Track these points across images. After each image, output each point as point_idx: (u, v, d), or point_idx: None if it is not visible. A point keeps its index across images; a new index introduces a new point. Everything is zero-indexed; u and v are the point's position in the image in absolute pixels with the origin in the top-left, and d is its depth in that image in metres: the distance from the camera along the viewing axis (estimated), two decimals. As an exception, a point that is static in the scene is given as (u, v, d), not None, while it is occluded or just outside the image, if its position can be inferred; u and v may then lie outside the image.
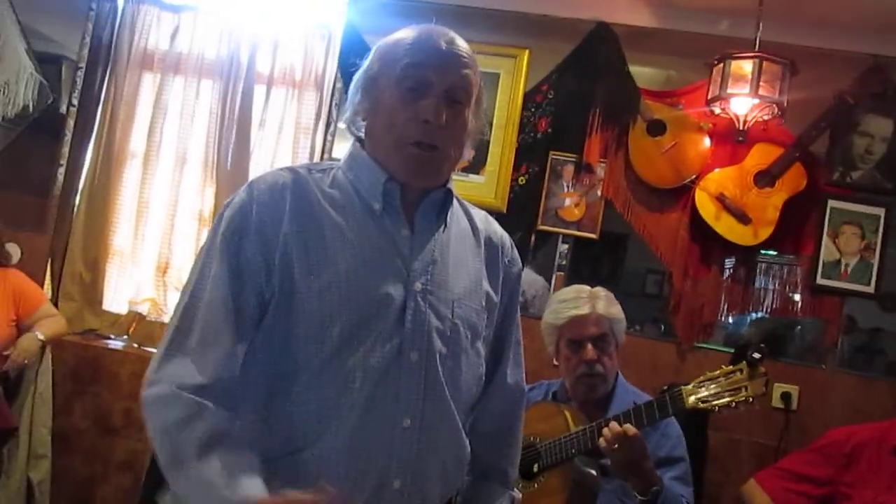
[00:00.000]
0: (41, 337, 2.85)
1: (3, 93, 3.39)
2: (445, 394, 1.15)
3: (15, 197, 3.45)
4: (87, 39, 3.37)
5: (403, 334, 1.12)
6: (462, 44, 1.18)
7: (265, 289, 1.11)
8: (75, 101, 3.37)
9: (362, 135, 1.22)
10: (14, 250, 3.17)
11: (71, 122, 3.37)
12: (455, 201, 1.26)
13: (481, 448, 1.28)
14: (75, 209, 3.35)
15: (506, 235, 1.35)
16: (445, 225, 1.22)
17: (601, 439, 1.78)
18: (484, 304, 1.24)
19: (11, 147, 3.50)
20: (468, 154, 1.23)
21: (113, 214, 3.31)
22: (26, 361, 2.80)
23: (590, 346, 1.99)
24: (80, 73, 3.37)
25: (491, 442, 1.31)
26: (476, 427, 1.27)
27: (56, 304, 3.19)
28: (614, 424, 1.78)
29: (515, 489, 1.38)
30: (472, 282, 1.23)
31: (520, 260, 1.35)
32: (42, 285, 3.23)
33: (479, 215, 1.32)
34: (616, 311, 2.06)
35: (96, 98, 3.37)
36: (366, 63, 1.22)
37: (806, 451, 2.13)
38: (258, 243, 1.11)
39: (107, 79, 3.36)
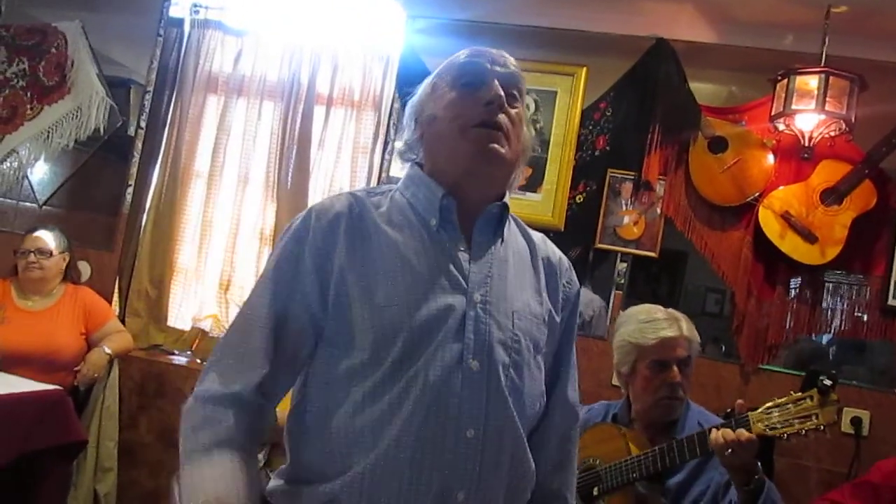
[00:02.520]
0: (108, 351, 2.95)
1: (76, 116, 3.54)
2: (509, 404, 1.14)
3: (86, 216, 3.59)
4: (155, 64, 3.51)
5: (464, 344, 1.11)
6: (508, 56, 1.23)
7: (317, 311, 1.14)
8: (143, 124, 3.50)
9: (417, 159, 1.25)
10: (84, 268, 3.30)
11: (139, 144, 3.49)
12: (512, 221, 1.27)
13: (542, 471, 1.25)
14: (142, 228, 3.46)
15: (564, 257, 1.33)
16: (503, 240, 1.22)
17: (712, 438, 1.72)
18: (546, 319, 1.23)
19: (83, 168, 3.65)
20: (522, 166, 1.25)
21: (178, 233, 3.41)
22: (96, 375, 2.89)
23: (676, 368, 1.93)
24: (148, 97, 3.50)
25: (551, 464, 1.28)
26: (536, 448, 1.24)
27: (123, 321, 3.30)
28: (726, 431, 1.71)
29: None
30: (533, 297, 1.22)
31: (577, 281, 1.34)
32: (110, 302, 3.34)
33: (537, 236, 1.32)
34: (695, 334, 2.01)
35: (163, 120, 3.49)
36: (418, 89, 1.26)
37: (855, 485, 2.02)
38: (313, 270, 1.14)
39: (173, 101, 3.48)
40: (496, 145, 1.15)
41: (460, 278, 1.15)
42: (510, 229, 1.25)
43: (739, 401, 1.79)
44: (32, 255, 2.99)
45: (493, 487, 1.13)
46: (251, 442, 1.11)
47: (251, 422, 1.11)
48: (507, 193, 1.24)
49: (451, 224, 1.19)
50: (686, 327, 1.98)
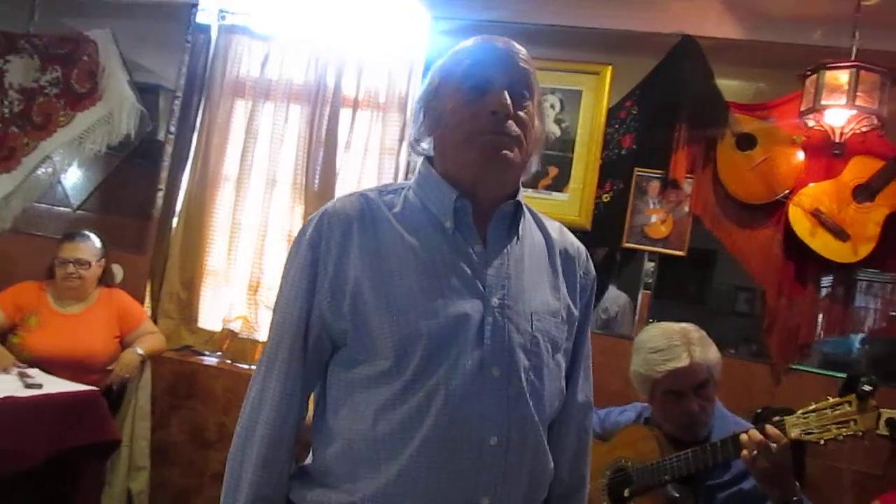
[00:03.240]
0: (141, 352, 3.00)
1: (108, 122, 3.60)
2: (530, 409, 1.14)
3: (118, 220, 3.64)
4: (183, 70, 3.55)
5: (484, 350, 1.11)
6: (518, 45, 1.19)
7: (330, 318, 1.14)
8: (173, 129, 3.55)
9: (428, 152, 1.23)
10: (118, 271, 3.34)
11: (169, 149, 3.54)
12: (527, 213, 1.25)
13: (561, 462, 1.26)
14: (173, 231, 3.51)
15: (581, 246, 1.32)
16: (518, 238, 1.21)
17: (741, 440, 1.68)
18: (565, 316, 1.22)
19: (115, 173, 3.70)
20: (535, 163, 1.22)
21: (208, 235, 3.45)
22: (127, 376, 2.94)
23: (692, 395, 1.88)
24: (177, 102, 3.55)
25: (570, 456, 1.29)
26: (555, 441, 1.24)
27: (155, 322, 3.34)
28: (753, 432, 1.68)
29: None
30: (551, 294, 1.22)
31: (594, 271, 1.33)
32: (142, 304, 3.39)
33: (554, 226, 1.31)
34: (712, 353, 1.92)
35: (192, 125, 3.54)
36: (426, 81, 1.24)
37: None
38: (326, 278, 1.14)
39: (202, 106, 3.53)
40: (505, 151, 1.14)
41: (477, 282, 1.15)
42: (525, 224, 1.23)
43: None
44: (71, 265, 3.00)
45: (515, 490, 1.14)
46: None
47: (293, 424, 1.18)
48: (521, 189, 1.23)
49: (467, 226, 1.18)
50: (699, 352, 1.88)
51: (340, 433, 1.13)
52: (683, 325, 1.96)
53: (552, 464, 1.21)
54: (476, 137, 1.13)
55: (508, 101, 1.13)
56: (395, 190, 1.23)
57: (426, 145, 1.23)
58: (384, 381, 1.10)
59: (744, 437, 1.68)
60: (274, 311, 1.21)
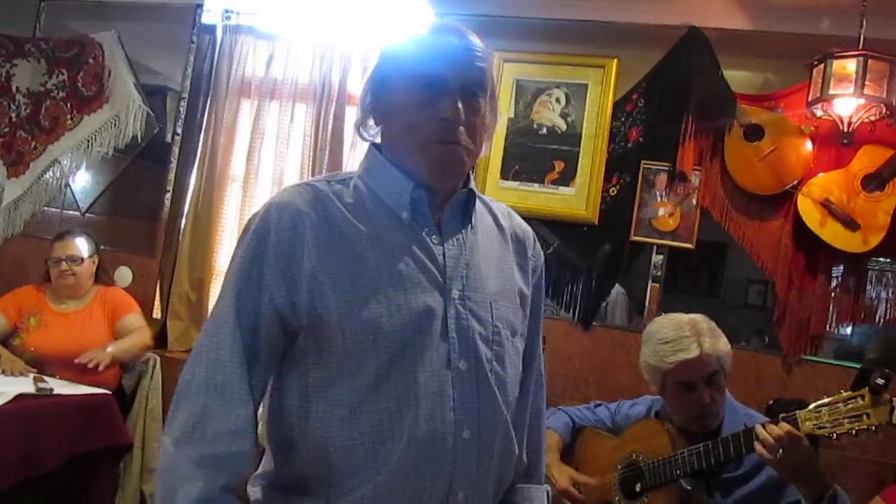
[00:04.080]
0: (110, 349, 2.90)
1: (115, 125, 3.61)
2: (497, 398, 1.13)
3: (127, 222, 3.67)
4: (189, 71, 3.56)
5: (449, 344, 1.10)
6: (474, 38, 1.15)
7: (288, 314, 1.08)
8: (179, 130, 3.56)
9: (375, 139, 1.20)
10: (127, 273, 3.35)
11: (176, 150, 3.56)
12: (478, 201, 1.23)
13: (521, 446, 1.25)
14: (181, 232, 3.52)
15: (529, 229, 1.31)
16: (472, 225, 1.19)
17: (759, 446, 1.65)
18: (520, 300, 1.22)
19: (122, 175, 3.72)
20: (486, 149, 1.19)
21: (216, 236, 3.46)
22: (90, 362, 2.81)
23: (702, 386, 1.86)
24: (183, 103, 3.56)
25: (529, 435, 1.29)
26: (516, 425, 1.22)
27: (164, 324, 3.36)
28: (772, 427, 1.65)
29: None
30: (506, 280, 1.21)
31: (542, 253, 1.32)
32: (152, 305, 3.40)
33: (502, 210, 1.29)
34: (722, 344, 1.91)
35: (198, 126, 3.54)
36: (374, 66, 1.19)
37: None
38: (279, 273, 1.08)
39: (208, 107, 3.53)
40: (456, 163, 1.12)
41: (437, 273, 1.12)
42: (477, 211, 1.21)
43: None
44: (64, 262, 3.02)
45: (488, 480, 1.14)
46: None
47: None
48: (472, 176, 1.20)
49: (423, 217, 1.15)
50: (709, 342, 1.87)
51: (308, 439, 1.08)
52: (693, 315, 1.95)
53: (517, 450, 1.22)
54: (426, 147, 1.10)
55: (461, 107, 1.10)
56: (343, 180, 1.18)
57: (373, 131, 1.19)
58: (349, 384, 1.06)
59: (761, 431, 1.66)
60: (214, 318, 1.10)
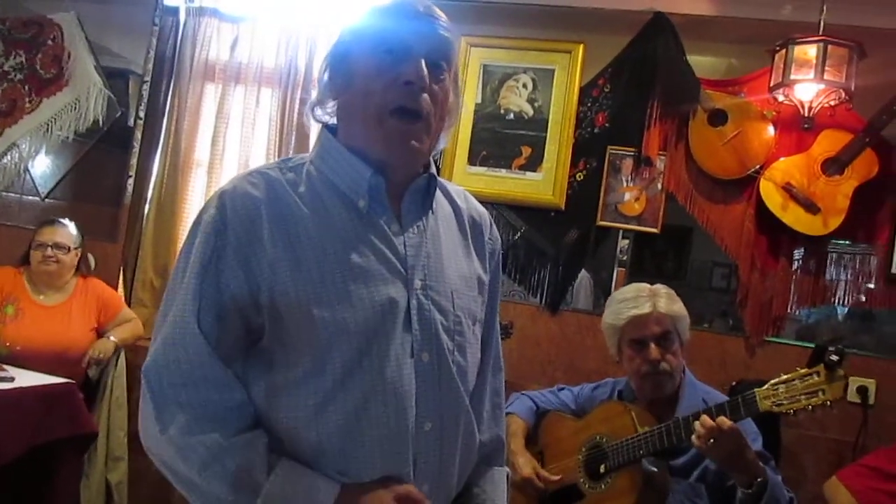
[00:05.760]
0: (114, 339, 2.99)
1: (75, 108, 3.54)
2: (459, 389, 1.12)
3: (88, 208, 3.60)
4: (152, 53, 3.50)
5: (413, 336, 1.08)
6: (438, 10, 1.12)
7: (250, 308, 1.05)
8: (142, 114, 3.50)
9: (329, 119, 1.15)
10: (90, 261, 3.30)
11: (138, 134, 3.49)
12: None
13: (481, 425, 1.25)
14: (145, 218, 3.47)
15: (485, 212, 1.29)
16: (432, 211, 1.17)
17: (694, 437, 1.73)
18: (478, 286, 1.21)
19: (84, 160, 3.65)
20: (445, 140, 1.17)
21: (181, 222, 3.41)
22: (101, 356, 2.91)
23: (653, 345, 1.96)
24: (146, 87, 3.49)
25: (487, 417, 1.28)
26: (475, 407, 1.22)
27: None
28: (706, 418, 1.72)
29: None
30: (466, 267, 1.20)
31: (499, 236, 1.31)
32: (116, 292, 3.35)
33: (458, 192, 1.27)
34: (678, 308, 2.02)
35: (162, 110, 3.49)
36: (335, 41, 1.15)
37: (892, 449, 2.04)
38: (238, 265, 1.04)
39: (171, 91, 3.47)
40: (413, 142, 1.08)
41: (398, 264, 1.09)
42: (436, 197, 1.18)
43: None
44: (50, 248, 2.98)
45: (451, 470, 1.14)
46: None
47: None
48: (432, 161, 1.17)
49: (382, 205, 1.11)
50: (664, 304, 1.99)
51: (276, 438, 1.05)
52: (656, 284, 2.08)
53: (479, 436, 1.22)
54: (387, 118, 1.06)
55: (425, 71, 1.06)
56: (295, 167, 1.13)
57: (328, 111, 1.15)
58: (315, 378, 1.03)
59: (697, 426, 1.73)
60: (175, 316, 1.05)
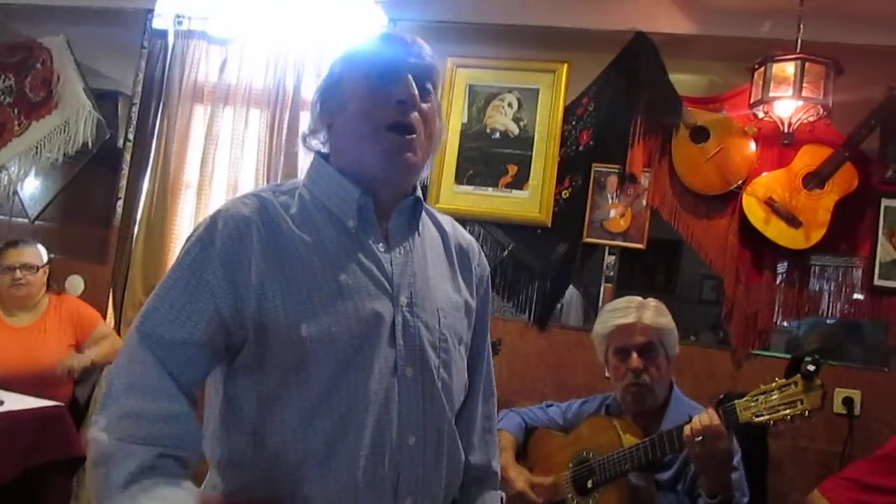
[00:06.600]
0: (90, 355, 2.94)
1: (65, 131, 3.56)
2: (444, 405, 1.15)
3: (78, 229, 3.61)
4: (141, 75, 3.52)
5: (397, 351, 1.10)
6: (422, 41, 1.18)
7: (231, 323, 1.06)
8: (131, 136, 3.52)
9: (320, 147, 1.20)
10: (78, 282, 3.30)
11: (128, 156, 3.51)
12: (423, 211, 1.24)
13: (471, 449, 1.28)
14: (134, 239, 3.47)
15: (473, 241, 1.33)
16: (419, 233, 1.21)
17: (686, 427, 1.75)
18: (465, 309, 1.23)
19: (73, 182, 3.67)
20: (428, 167, 1.20)
21: (170, 243, 3.42)
22: (73, 362, 2.86)
23: (635, 354, 1.98)
24: (135, 109, 3.51)
25: (478, 441, 1.30)
26: (465, 430, 1.26)
27: (119, 332, 3.30)
28: (703, 416, 1.74)
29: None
30: (451, 289, 1.23)
31: (487, 264, 1.35)
32: (105, 313, 3.35)
33: (446, 220, 1.31)
34: (665, 321, 2.04)
35: (151, 131, 3.50)
36: (327, 72, 1.20)
37: (872, 459, 2.06)
38: (225, 281, 1.06)
39: (160, 112, 3.49)
40: (409, 154, 1.12)
41: (384, 281, 1.13)
42: (422, 220, 1.23)
43: None
44: (18, 271, 2.95)
45: (435, 486, 1.15)
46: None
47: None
48: (418, 185, 1.21)
49: (370, 224, 1.15)
50: (650, 315, 2.01)
51: (260, 454, 1.07)
52: (648, 298, 2.11)
53: (464, 455, 1.23)
54: (382, 132, 1.11)
55: (416, 91, 1.12)
56: (288, 190, 1.17)
57: (320, 140, 1.20)
58: (297, 394, 1.05)
59: (695, 421, 1.75)
60: (144, 321, 1.06)
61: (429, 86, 1.15)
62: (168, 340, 1.04)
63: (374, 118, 1.11)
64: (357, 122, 1.13)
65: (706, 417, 1.74)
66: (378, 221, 1.16)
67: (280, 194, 1.16)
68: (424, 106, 1.14)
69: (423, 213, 1.24)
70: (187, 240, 1.12)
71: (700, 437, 1.72)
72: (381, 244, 1.15)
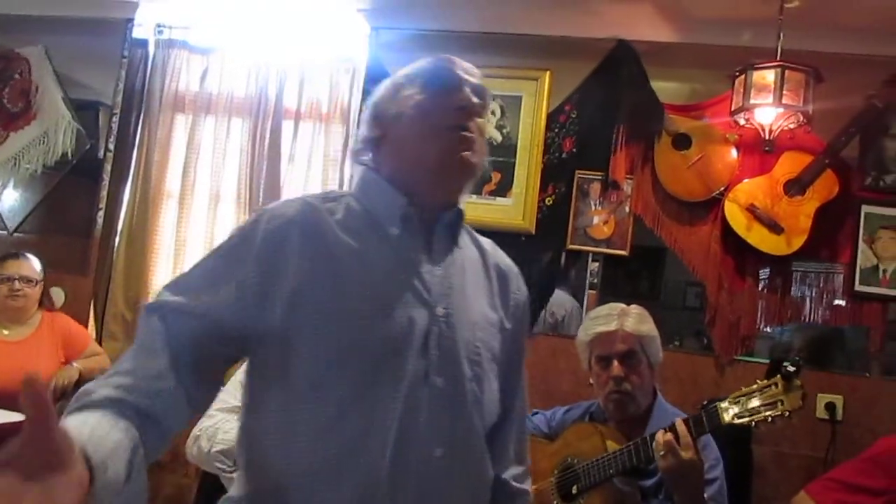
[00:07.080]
0: (77, 365, 2.92)
1: (44, 142, 3.52)
2: (473, 418, 1.14)
3: (58, 241, 3.57)
4: (121, 85, 3.49)
5: (429, 360, 1.09)
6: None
7: (253, 314, 1.06)
8: (112, 146, 3.49)
9: (370, 162, 1.23)
10: (58, 295, 3.26)
11: (108, 166, 3.48)
12: (463, 228, 1.25)
13: (503, 467, 1.27)
14: (115, 250, 3.44)
15: (513, 265, 1.34)
16: (458, 246, 1.22)
17: (654, 442, 1.75)
18: (499, 328, 1.23)
19: (53, 193, 3.63)
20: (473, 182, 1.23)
21: (152, 254, 3.39)
22: (66, 383, 2.83)
23: (616, 362, 1.97)
24: (116, 118, 3.48)
25: (512, 461, 1.30)
26: (499, 449, 1.25)
27: (100, 344, 3.27)
28: (667, 432, 1.74)
29: None
30: (488, 305, 1.23)
31: (526, 289, 1.35)
32: (86, 326, 3.31)
33: (487, 243, 1.32)
34: (647, 329, 2.02)
35: (132, 141, 3.48)
36: (382, 87, 1.23)
37: (858, 461, 2.07)
38: (257, 273, 1.07)
39: (141, 122, 3.47)
40: (468, 153, 1.14)
41: (423, 290, 1.13)
42: (463, 235, 1.24)
43: None
44: (17, 282, 2.93)
45: (460, 500, 1.14)
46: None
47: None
48: (461, 199, 1.22)
49: (412, 233, 1.16)
50: (631, 323, 2.00)
51: (280, 460, 1.06)
52: (631, 305, 2.09)
53: (492, 473, 1.22)
54: (442, 132, 1.14)
55: (476, 100, 1.16)
56: (336, 198, 1.19)
57: (369, 154, 1.22)
58: (326, 395, 1.04)
59: (658, 435, 1.75)
60: (165, 290, 1.09)
61: (480, 99, 1.18)
62: (182, 311, 1.06)
63: (434, 120, 1.14)
64: (416, 125, 1.16)
65: (669, 433, 1.74)
66: (421, 232, 1.17)
67: (328, 201, 1.18)
68: (479, 119, 1.18)
69: (464, 231, 1.25)
70: (230, 234, 1.15)
71: (662, 452, 1.73)
72: (422, 254, 1.16)
